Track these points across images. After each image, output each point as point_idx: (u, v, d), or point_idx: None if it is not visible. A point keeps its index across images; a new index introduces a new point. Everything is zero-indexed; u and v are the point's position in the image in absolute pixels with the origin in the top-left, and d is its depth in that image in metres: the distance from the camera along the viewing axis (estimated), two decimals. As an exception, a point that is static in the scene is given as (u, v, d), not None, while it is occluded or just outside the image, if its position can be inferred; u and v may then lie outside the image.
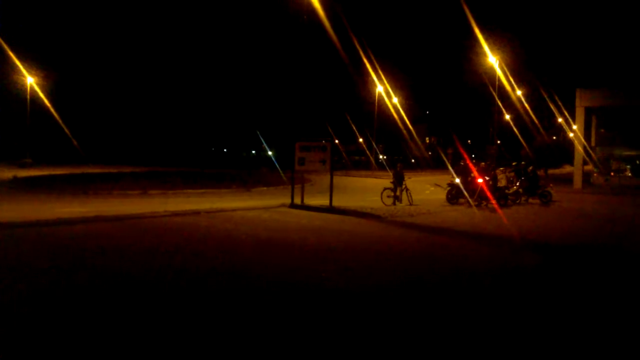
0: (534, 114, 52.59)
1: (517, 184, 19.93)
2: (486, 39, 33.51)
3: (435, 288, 6.93)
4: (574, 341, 5.02)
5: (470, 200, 17.83)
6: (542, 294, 6.73)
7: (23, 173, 31.53)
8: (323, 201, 16.40)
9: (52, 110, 49.31)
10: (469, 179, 18.50)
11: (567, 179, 35.08)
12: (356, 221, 13.38)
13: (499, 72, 34.46)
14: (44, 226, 10.95)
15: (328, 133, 48.79)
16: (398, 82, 60.80)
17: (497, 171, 20.61)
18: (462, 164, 20.57)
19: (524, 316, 5.73)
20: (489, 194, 17.68)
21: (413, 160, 76.91)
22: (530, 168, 20.79)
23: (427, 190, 25.81)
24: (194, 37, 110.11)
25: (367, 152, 65.61)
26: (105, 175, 29.51)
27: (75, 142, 50.56)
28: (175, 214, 13.40)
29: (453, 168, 21.01)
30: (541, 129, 53.83)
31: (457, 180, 18.75)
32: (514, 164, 23.36)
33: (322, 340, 4.86)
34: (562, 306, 6.22)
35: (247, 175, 32.93)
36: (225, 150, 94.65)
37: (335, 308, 5.86)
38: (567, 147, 49.75)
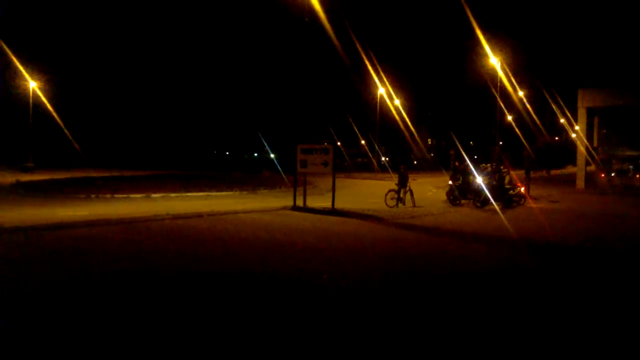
0: (536, 114, 52.54)
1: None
2: (488, 40, 33.42)
3: (432, 288, 6.97)
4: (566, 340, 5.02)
5: (465, 201, 17.73)
6: (537, 295, 6.73)
7: (26, 177, 31.57)
8: (325, 203, 16.40)
9: (54, 114, 49.43)
10: (470, 179, 18.44)
11: (571, 180, 35.03)
12: (358, 223, 13.38)
13: (501, 73, 34.37)
14: (46, 230, 10.97)
15: (330, 135, 48.81)
16: (400, 84, 60.70)
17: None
18: (459, 165, 20.38)
19: (513, 312, 5.74)
20: (490, 195, 17.62)
21: (415, 162, 76.90)
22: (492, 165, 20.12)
23: (429, 192, 25.76)
24: (195, 40, 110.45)
25: (370, 154, 65.57)
26: (107, 179, 29.53)
27: (77, 146, 50.66)
28: (178, 217, 13.43)
29: (452, 169, 20.82)
30: (543, 130, 53.75)
31: (457, 182, 18.71)
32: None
33: (323, 338, 4.87)
34: (555, 308, 6.21)
35: (249, 178, 32.94)
36: (227, 153, 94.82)
37: (337, 308, 5.87)
38: (569, 147, 49.74)
